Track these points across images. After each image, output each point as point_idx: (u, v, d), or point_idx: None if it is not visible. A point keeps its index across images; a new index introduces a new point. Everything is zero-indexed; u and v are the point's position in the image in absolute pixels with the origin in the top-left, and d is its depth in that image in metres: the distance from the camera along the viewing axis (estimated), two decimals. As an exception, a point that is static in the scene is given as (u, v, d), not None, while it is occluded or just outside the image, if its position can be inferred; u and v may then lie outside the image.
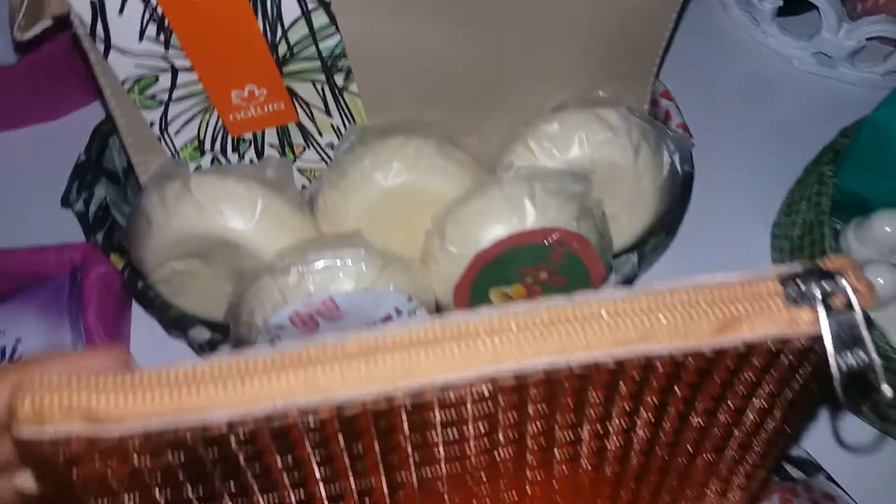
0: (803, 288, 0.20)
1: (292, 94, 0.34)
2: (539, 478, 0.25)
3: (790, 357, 0.21)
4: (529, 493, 0.26)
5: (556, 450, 0.24)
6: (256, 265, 0.34)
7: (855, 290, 0.20)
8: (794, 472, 0.34)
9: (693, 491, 0.28)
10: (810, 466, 0.34)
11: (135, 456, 0.20)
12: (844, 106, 0.48)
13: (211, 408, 0.19)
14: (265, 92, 0.33)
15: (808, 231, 0.40)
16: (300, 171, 0.38)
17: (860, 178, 0.40)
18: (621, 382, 0.21)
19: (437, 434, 0.22)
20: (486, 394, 0.20)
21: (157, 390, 0.19)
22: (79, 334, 0.37)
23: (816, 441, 0.37)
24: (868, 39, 0.48)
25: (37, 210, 0.45)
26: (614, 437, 0.24)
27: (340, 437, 0.21)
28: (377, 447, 0.21)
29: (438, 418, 0.21)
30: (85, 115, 0.47)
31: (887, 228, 0.39)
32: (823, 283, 0.20)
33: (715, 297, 0.20)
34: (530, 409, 0.22)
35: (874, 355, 0.19)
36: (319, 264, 0.33)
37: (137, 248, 0.35)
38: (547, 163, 0.36)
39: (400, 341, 0.19)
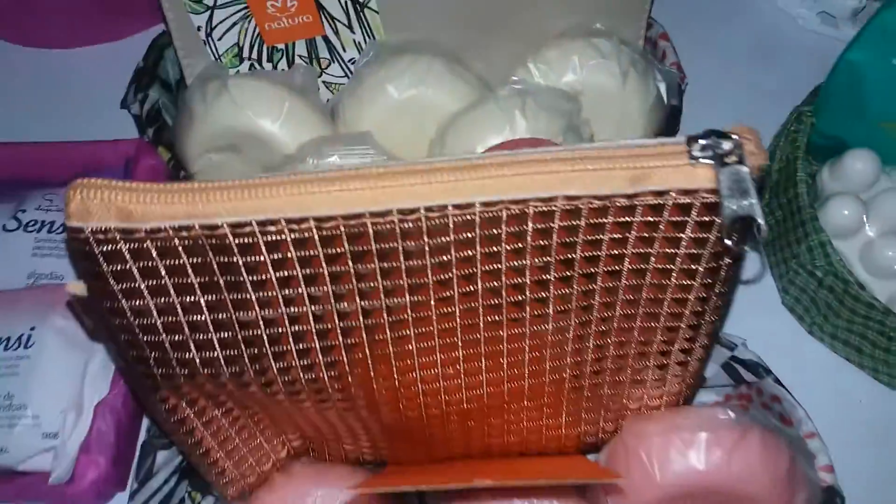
0: (705, 148, 0.24)
1: (320, 7, 0.39)
2: (485, 335, 0.28)
3: (697, 212, 0.25)
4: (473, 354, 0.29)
5: (502, 297, 0.27)
6: (280, 158, 0.40)
7: (750, 153, 0.24)
8: (747, 375, 0.38)
9: (633, 376, 0.32)
10: (760, 369, 0.38)
11: (154, 253, 0.25)
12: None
13: (216, 213, 0.24)
14: (296, 3, 0.38)
15: (784, 166, 0.44)
16: (326, 84, 0.43)
17: (837, 120, 0.43)
18: (555, 225, 0.25)
19: (401, 262, 0.26)
20: (434, 223, 0.25)
21: (177, 195, 0.24)
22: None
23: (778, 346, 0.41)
24: (869, -1, 0.51)
25: (100, 113, 0.51)
26: (553, 287, 0.27)
27: (321, 254, 0.25)
28: (352, 270, 0.26)
29: (401, 247, 0.25)
30: (148, 35, 0.53)
31: (858, 165, 0.42)
32: (723, 144, 0.24)
33: (631, 154, 0.24)
34: (477, 250, 0.26)
35: (755, 199, 0.23)
36: (332, 158, 0.38)
37: (181, 140, 0.41)
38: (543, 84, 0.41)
39: (375, 173, 0.24)
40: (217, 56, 0.40)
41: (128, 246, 0.24)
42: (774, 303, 0.44)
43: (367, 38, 0.41)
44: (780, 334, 0.43)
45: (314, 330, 0.27)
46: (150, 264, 0.25)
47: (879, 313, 0.38)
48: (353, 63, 0.42)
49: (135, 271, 0.25)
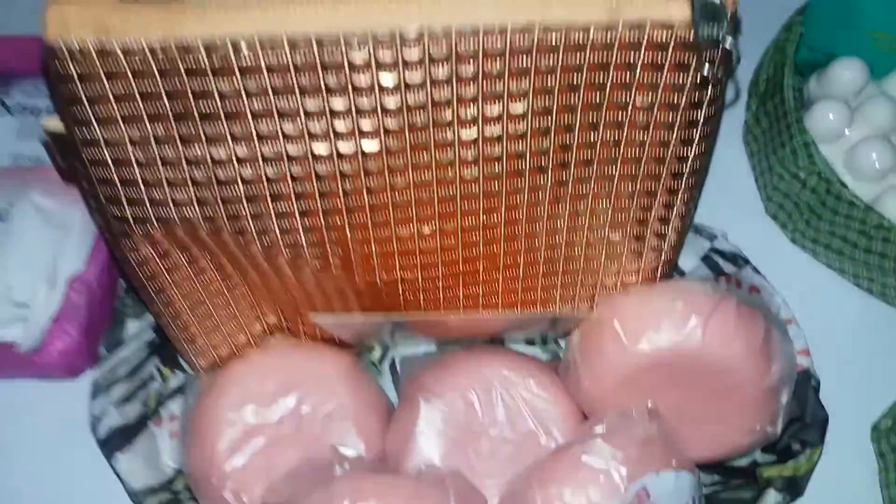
0: None
1: None
2: (460, 191, 0.28)
3: (673, 48, 0.25)
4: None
5: (478, 149, 0.27)
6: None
7: None
8: (726, 266, 0.38)
9: (608, 248, 0.32)
10: (739, 259, 0.37)
11: (129, 74, 0.24)
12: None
13: (192, 32, 0.24)
14: None
15: (772, 75, 0.44)
16: None
17: (826, 29, 0.43)
18: (531, 65, 0.25)
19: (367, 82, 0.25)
20: (401, 50, 0.24)
21: (153, 12, 0.24)
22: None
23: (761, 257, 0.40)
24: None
25: None
26: (531, 139, 0.27)
27: (295, 80, 0.25)
28: (327, 103, 0.25)
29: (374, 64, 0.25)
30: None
31: (846, 73, 0.42)
32: None
33: None
34: (461, 72, 0.25)
35: (727, 24, 0.24)
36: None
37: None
38: None
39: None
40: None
41: (103, 64, 0.24)
42: (758, 211, 0.44)
43: None
44: (763, 242, 0.43)
45: (289, 173, 0.27)
46: (125, 87, 0.24)
47: (860, 212, 0.38)
48: None
49: (110, 94, 0.24)
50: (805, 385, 0.33)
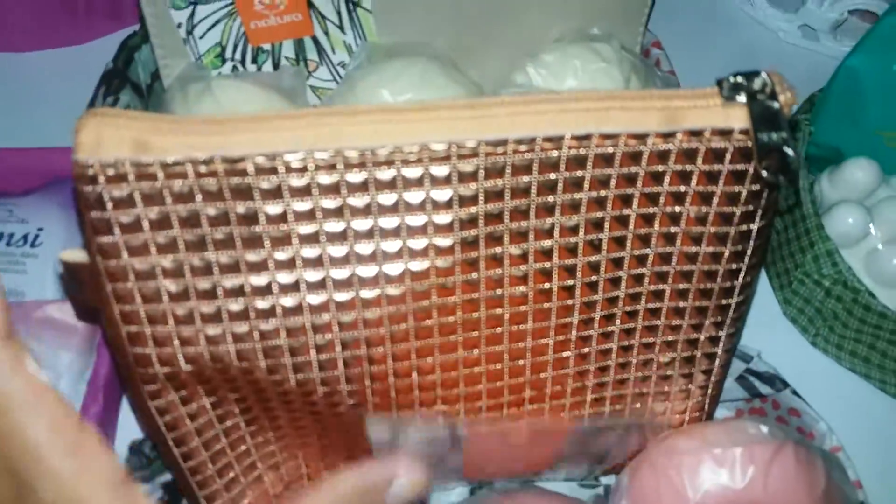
0: (736, 87, 0.24)
1: (310, 5, 0.36)
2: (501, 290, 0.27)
3: (731, 157, 0.24)
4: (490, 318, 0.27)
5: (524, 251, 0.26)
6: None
7: (780, 90, 0.24)
8: (763, 388, 0.37)
9: (657, 385, 0.30)
10: (777, 381, 0.36)
11: (170, 200, 0.23)
12: (825, 78, 0.51)
13: (240, 144, 0.22)
14: (286, 1, 0.36)
15: (788, 211, 0.43)
16: (312, 89, 0.41)
17: (834, 128, 0.43)
18: (587, 174, 0.24)
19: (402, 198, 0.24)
20: (449, 161, 0.23)
21: (196, 126, 0.22)
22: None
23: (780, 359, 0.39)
24: (850, 13, 0.51)
25: (66, 118, 0.47)
26: (582, 253, 0.26)
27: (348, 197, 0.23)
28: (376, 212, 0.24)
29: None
30: (115, 38, 0.50)
31: (859, 173, 0.41)
32: (753, 82, 0.24)
33: (664, 95, 0.24)
34: (504, 196, 0.24)
35: (788, 131, 0.23)
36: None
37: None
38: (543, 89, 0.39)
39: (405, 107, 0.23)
40: (198, 56, 0.38)
41: (141, 185, 0.22)
42: (775, 315, 0.43)
43: (357, 39, 0.39)
44: (782, 347, 0.42)
45: (333, 300, 0.25)
46: (162, 212, 0.23)
47: (891, 322, 0.37)
48: (342, 66, 0.40)
49: (146, 221, 0.23)
50: (862, 521, 0.32)
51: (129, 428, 0.35)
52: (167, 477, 0.33)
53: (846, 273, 0.38)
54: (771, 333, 0.42)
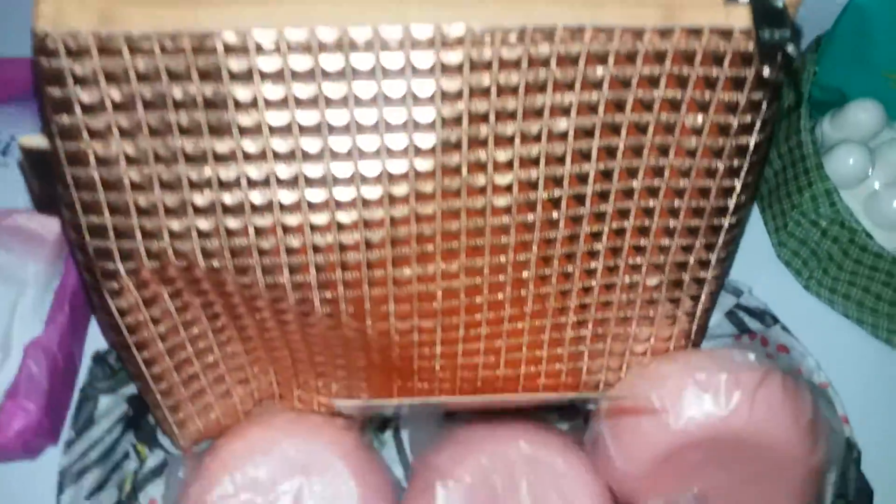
0: None
1: None
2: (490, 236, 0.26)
3: (730, 61, 0.23)
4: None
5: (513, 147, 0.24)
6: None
7: None
8: (752, 324, 0.36)
9: (642, 310, 0.29)
10: (767, 316, 0.35)
11: (135, 79, 0.21)
12: (832, 19, 0.50)
13: (209, 17, 0.21)
14: None
15: (787, 113, 0.42)
16: None
17: (840, 69, 0.41)
18: (584, 66, 0.23)
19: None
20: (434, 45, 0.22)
21: (167, 3, 0.21)
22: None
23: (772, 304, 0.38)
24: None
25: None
26: (570, 162, 0.25)
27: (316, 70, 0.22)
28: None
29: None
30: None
31: (862, 115, 0.40)
32: None
33: None
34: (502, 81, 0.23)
35: (790, 29, 0.22)
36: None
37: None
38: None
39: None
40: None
41: (104, 61, 0.21)
42: (768, 258, 0.42)
43: None
44: (775, 292, 0.40)
45: (306, 199, 0.24)
46: (127, 92, 0.21)
47: (887, 263, 0.36)
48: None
49: (109, 101, 0.22)
50: (847, 458, 0.31)
51: (98, 342, 0.34)
52: (132, 389, 0.32)
53: (844, 213, 0.37)
54: (764, 277, 0.41)
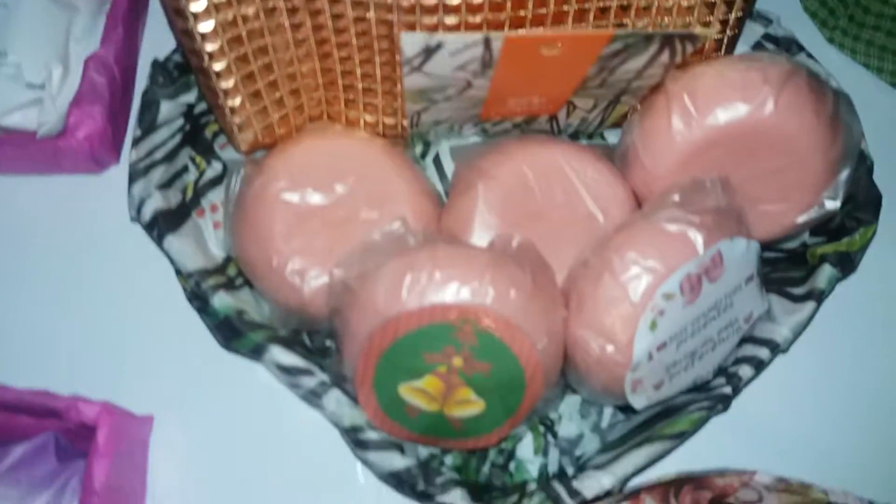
0: None
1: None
2: None
3: None
4: None
5: None
6: None
7: None
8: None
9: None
10: (794, 45, 0.36)
11: None
12: None
13: None
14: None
15: None
16: None
17: None
18: None
19: None
20: None
21: None
22: None
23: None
24: None
25: None
26: None
27: None
28: None
29: None
30: None
31: None
32: None
33: None
34: None
35: None
36: None
37: None
38: None
39: None
40: None
41: None
42: (794, 11, 0.43)
43: None
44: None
45: None
46: None
47: (913, 0, 0.37)
48: None
49: None
50: (860, 165, 0.33)
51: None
52: (190, 98, 0.33)
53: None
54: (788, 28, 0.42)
